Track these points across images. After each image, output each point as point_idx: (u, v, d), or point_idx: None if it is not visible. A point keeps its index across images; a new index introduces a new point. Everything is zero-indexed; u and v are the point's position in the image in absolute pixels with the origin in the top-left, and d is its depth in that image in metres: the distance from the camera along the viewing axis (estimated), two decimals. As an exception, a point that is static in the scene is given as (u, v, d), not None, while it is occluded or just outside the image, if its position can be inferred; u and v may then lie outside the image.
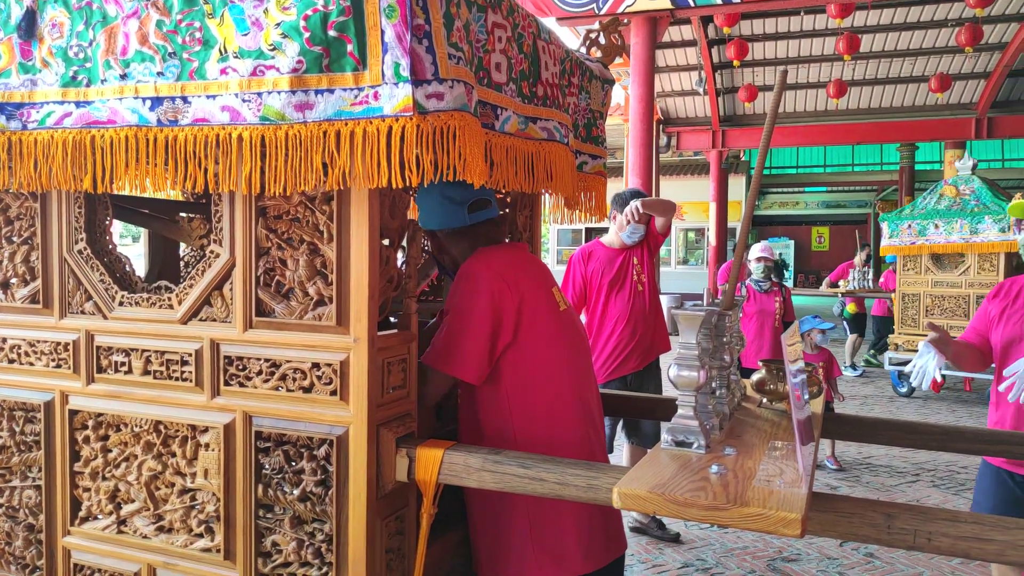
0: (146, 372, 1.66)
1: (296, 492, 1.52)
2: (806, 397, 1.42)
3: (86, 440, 1.75)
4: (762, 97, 12.11)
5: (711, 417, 1.51)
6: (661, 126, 13.61)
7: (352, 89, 1.30)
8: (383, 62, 1.27)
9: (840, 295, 9.05)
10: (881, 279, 9.26)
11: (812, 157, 20.37)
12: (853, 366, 9.27)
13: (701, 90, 12.00)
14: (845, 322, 9.65)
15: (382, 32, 1.26)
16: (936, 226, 7.05)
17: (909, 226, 7.24)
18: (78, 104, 1.53)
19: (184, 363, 1.61)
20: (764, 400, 1.81)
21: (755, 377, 1.82)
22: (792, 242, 23.22)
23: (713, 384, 1.62)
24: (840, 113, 13.07)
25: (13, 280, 1.84)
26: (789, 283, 14.03)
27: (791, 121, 13.31)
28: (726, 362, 1.64)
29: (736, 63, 10.51)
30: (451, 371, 1.67)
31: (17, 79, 1.58)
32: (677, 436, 1.41)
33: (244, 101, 1.36)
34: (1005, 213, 6.65)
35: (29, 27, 1.55)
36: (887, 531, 1.18)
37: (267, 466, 1.55)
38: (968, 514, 1.18)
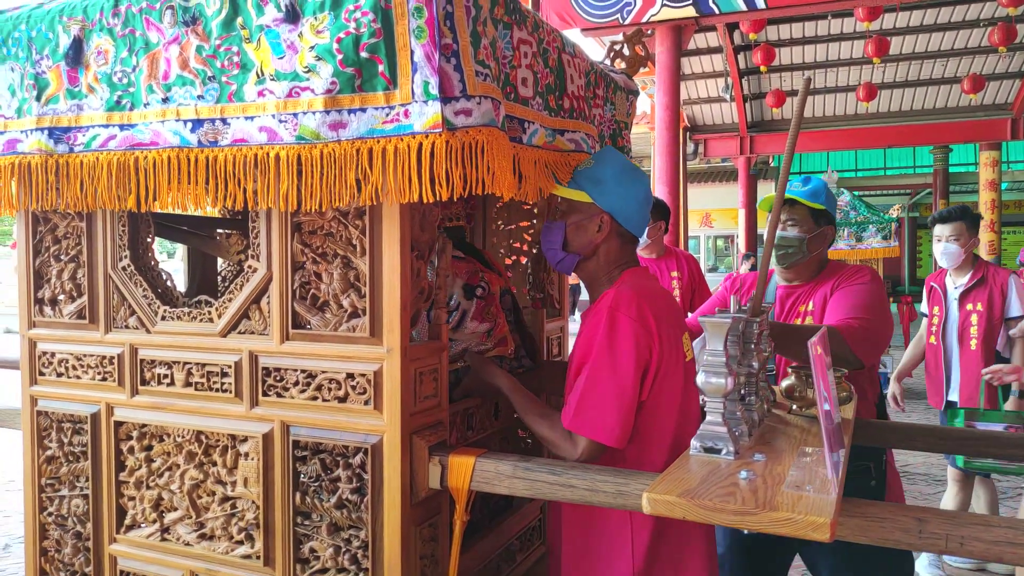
0: (188, 384, 1.72)
1: (332, 500, 1.56)
2: (835, 403, 1.43)
3: (131, 450, 1.81)
4: (790, 102, 12.00)
5: (740, 424, 1.52)
6: (688, 133, 13.55)
7: (383, 108, 1.35)
8: (413, 81, 1.32)
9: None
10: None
11: (843, 161, 20.08)
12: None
13: (728, 97, 11.94)
14: None
15: (411, 52, 1.31)
16: None
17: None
18: (122, 127, 1.60)
19: (224, 375, 1.67)
20: (794, 407, 1.80)
21: (784, 383, 1.82)
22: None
23: (742, 391, 1.63)
24: (870, 116, 12.89)
25: (61, 296, 1.91)
26: None
27: (820, 126, 13.16)
28: (754, 368, 1.64)
29: (763, 68, 10.44)
30: (598, 438, 1.54)
31: (65, 104, 1.66)
32: (706, 442, 1.42)
33: (281, 122, 1.41)
34: (886, 222, 7.05)
35: (76, 55, 1.62)
36: (918, 536, 1.18)
37: (304, 474, 1.59)
38: (1001, 519, 1.18)
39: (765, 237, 1.78)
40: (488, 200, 2.32)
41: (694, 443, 1.43)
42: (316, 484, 1.58)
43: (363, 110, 1.36)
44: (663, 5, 6.39)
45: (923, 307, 4.02)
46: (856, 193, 7.87)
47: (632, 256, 1.78)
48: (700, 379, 1.43)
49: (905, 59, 11.57)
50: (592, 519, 1.67)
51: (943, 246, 3.71)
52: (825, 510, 1.11)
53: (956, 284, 3.79)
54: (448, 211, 2.00)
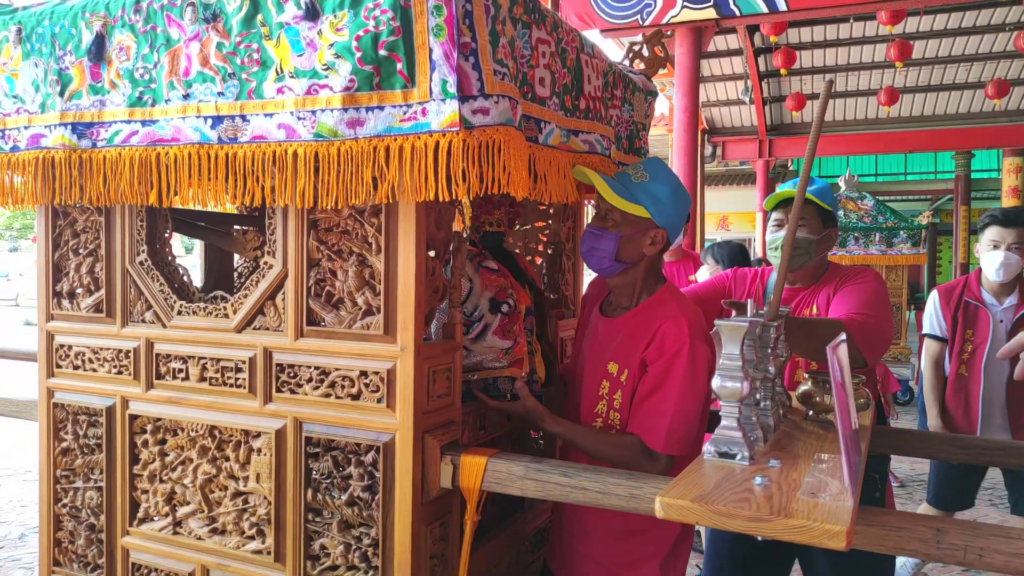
0: (202, 379, 1.73)
1: (344, 497, 1.56)
2: (853, 409, 1.41)
3: (145, 444, 1.82)
4: (810, 106, 11.90)
5: (755, 429, 1.50)
6: (706, 136, 13.48)
7: (401, 106, 1.35)
8: (431, 79, 1.31)
9: None
10: None
11: (863, 166, 19.89)
12: None
13: (747, 99, 11.85)
14: None
15: (430, 51, 1.31)
16: (856, 239, 7.31)
17: None
18: (144, 123, 1.61)
19: (238, 370, 1.67)
20: (810, 412, 1.78)
21: (801, 389, 1.80)
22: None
23: (757, 396, 1.61)
24: (892, 121, 12.75)
25: (79, 290, 1.93)
26: None
27: (840, 130, 13.04)
28: (770, 373, 1.63)
29: (783, 72, 10.35)
30: (673, 451, 1.63)
31: (87, 100, 1.67)
32: (720, 447, 1.41)
33: (299, 119, 1.42)
34: (916, 229, 7.12)
35: (98, 51, 1.64)
36: (936, 546, 1.16)
37: (316, 471, 1.59)
38: (1021, 530, 1.16)
39: (784, 239, 1.76)
40: (528, 206, 2.31)
41: (708, 447, 1.42)
42: (328, 481, 1.58)
43: (381, 108, 1.36)
44: (683, 7, 6.35)
45: (936, 327, 3.33)
46: (878, 198, 7.82)
47: (660, 265, 1.83)
48: (715, 383, 1.42)
49: (928, 63, 11.44)
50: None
51: (1002, 255, 3.03)
52: (841, 518, 1.10)
53: (1003, 303, 3.15)
54: (491, 216, 2.00)
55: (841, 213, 7.44)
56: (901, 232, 7.27)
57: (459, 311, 1.66)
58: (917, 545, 1.17)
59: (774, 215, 2.32)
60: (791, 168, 17.38)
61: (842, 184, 7.78)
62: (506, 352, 1.83)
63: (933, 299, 3.37)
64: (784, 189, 2.29)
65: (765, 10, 6.15)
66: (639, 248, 1.73)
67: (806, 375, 1.80)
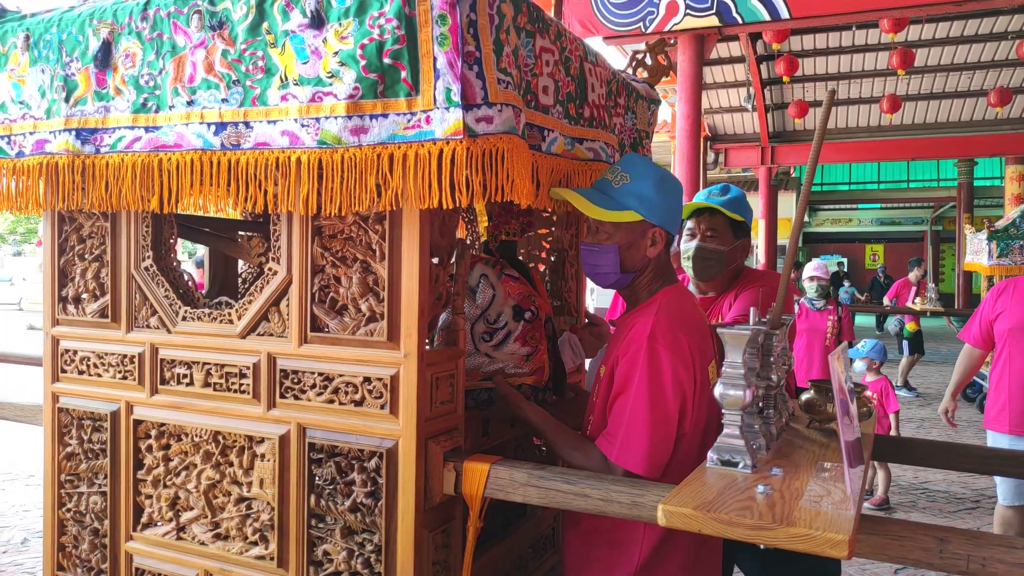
0: (206, 384, 1.73)
1: (347, 503, 1.56)
2: (855, 417, 1.41)
3: (149, 449, 1.83)
4: (813, 113, 11.91)
5: (758, 437, 1.50)
6: (709, 143, 13.50)
7: (405, 114, 1.35)
8: (435, 87, 1.32)
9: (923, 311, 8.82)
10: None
11: (865, 173, 19.90)
12: (907, 386, 8.99)
13: (750, 106, 11.88)
14: (905, 341, 9.35)
15: (434, 59, 1.31)
16: (1021, 247, 7.19)
17: (1021, 246, 7.23)
18: (147, 129, 1.62)
19: (242, 376, 1.68)
20: (813, 421, 1.78)
21: (804, 397, 1.80)
22: (845, 259, 22.68)
23: (760, 404, 1.61)
24: (894, 128, 12.76)
25: (84, 295, 1.94)
26: (848, 299, 13.66)
27: (843, 137, 13.05)
28: (773, 382, 1.63)
29: (786, 79, 10.38)
30: (636, 470, 1.51)
31: (92, 106, 1.68)
32: (723, 455, 1.41)
33: (303, 126, 1.42)
34: None
35: (105, 57, 1.65)
36: (939, 555, 1.16)
37: (319, 477, 1.60)
38: (1025, 540, 1.15)
39: (788, 247, 1.76)
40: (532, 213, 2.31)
41: (711, 455, 1.42)
42: (331, 487, 1.58)
43: (385, 116, 1.37)
44: (686, 14, 6.37)
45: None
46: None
47: (669, 266, 1.74)
48: (718, 391, 1.42)
49: (931, 71, 11.45)
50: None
51: None
52: (844, 527, 1.10)
53: None
54: (506, 226, 2.00)
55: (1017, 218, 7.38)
56: None
57: (463, 317, 1.66)
58: (920, 554, 1.17)
59: (687, 224, 2.37)
60: (793, 175, 17.39)
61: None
62: (526, 359, 1.84)
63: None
64: (697, 200, 2.36)
65: (767, 18, 6.16)
66: (641, 252, 1.68)
67: (809, 383, 1.80)
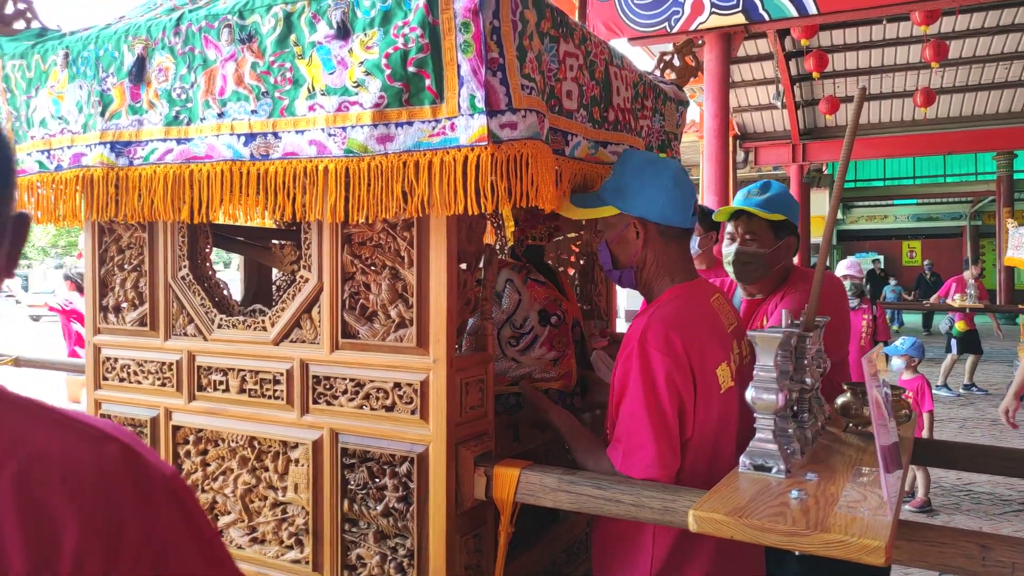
0: (242, 390, 1.76)
1: (379, 507, 1.58)
2: (891, 420, 1.38)
3: (187, 454, 1.86)
4: (844, 108, 11.72)
5: (791, 441, 1.48)
6: (738, 141, 13.35)
7: (430, 121, 1.36)
8: (459, 95, 1.33)
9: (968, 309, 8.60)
10: None
11: (900, 168, 19.50)
12: (947, 387, 8.77)
13: (779, 104, 11.73)
14: (954, 340, 9.10)
15: (458, 67, 1.32)
16: None
17: None
18: (179, 141, 1.65)
19: (276, 382, 1.71)
20: (850, 424, 1.75)
21: (840, 400, 1.77)
22: (881, 257, 22.24)
23: (794, 407, 1.59)
24: (929, 122, 12.50)
25: (124, 304, 1.98)
26: (895, 298, 13.39)
27: (877, 132, 12.82)
28: (808, 385, 1.60)
29: (816, 75, 10.22)
30: (632, 473, 1.47)
31: (127, 120, 1.72)
32: (755, 460, 1.39)
33: (330, 135, 1.44)
34: None
35: (139, 72, 1.69)
36: (982, 563, 1.13)
37: (352, 482, 1.61)
38: (1071, 546, 1.12)
39: (821, 246, 1.73)
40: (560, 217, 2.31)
41: (743, 460, 1.40)
42: (363, 492, 1.60)
43: (410, 123, 1.38)
44: (712, 12, 6.31)
45: None
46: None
47: (684, 260, 1.67)
48: (750, 395, 1.40)
49: (965, 63, 11.19)
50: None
51: None
52: (880, 533, 1.08)
53: None
54: (533, 231, 2.01)
55: None
56: None
57: (491, 323, 1.67)
58: (962, 562, 1.14)
59: (728, 227, 2.28)
60: (826, 172, 17.13)
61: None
62: (554, 363, 1.84)
63: None
64: (736, 201, 2.27)
65: (795, 14, 6.09)
66: (630, 247, 1.62)
67: (845, 386, 1.76)
